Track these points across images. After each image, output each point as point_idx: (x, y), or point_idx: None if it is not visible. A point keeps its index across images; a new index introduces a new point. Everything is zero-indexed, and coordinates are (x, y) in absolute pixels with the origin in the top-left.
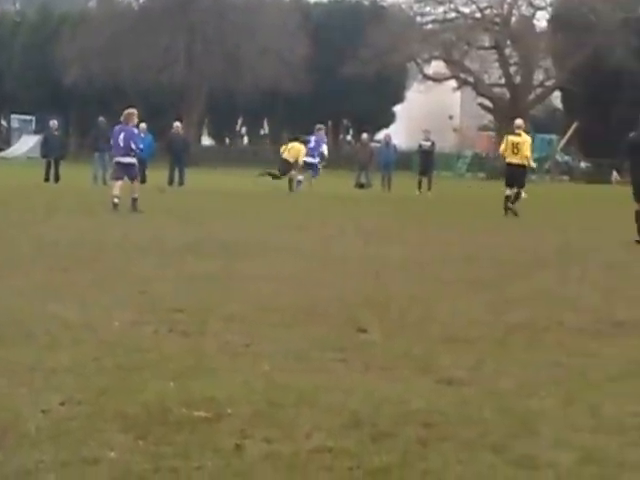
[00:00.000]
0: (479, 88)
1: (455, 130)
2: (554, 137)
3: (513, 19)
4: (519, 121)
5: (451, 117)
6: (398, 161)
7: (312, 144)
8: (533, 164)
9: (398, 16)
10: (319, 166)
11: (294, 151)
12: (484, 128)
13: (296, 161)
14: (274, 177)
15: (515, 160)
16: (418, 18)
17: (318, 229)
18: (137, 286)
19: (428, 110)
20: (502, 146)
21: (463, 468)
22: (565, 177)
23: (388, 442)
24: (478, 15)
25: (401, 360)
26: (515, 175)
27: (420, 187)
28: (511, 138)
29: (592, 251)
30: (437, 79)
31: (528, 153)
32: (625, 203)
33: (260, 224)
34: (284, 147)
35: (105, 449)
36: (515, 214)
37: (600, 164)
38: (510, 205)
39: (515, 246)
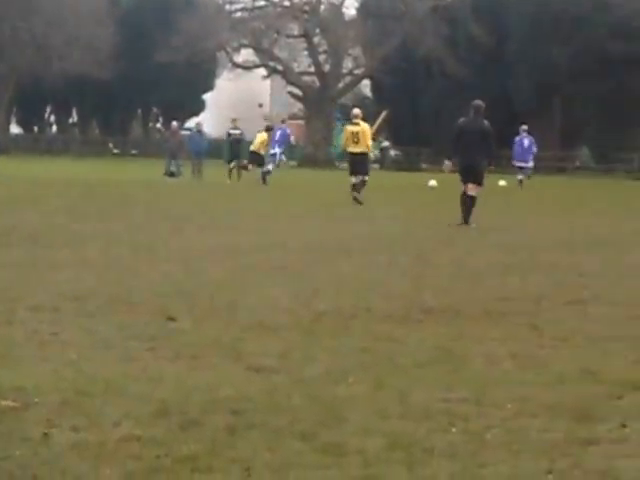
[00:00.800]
0: (288, 76)
1: (265, 118)
2: None
3: (322, 7)
4: (356, 110)
5: (261, 105)
6: (208, 149)
7: (277, 137)
8: (372, 149)
9: (208, 3)
10: (282, 157)
11: (258, 141)
12: (294, 116)
13: (264, 151)
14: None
15: (357, 149)
16: (227, 6)
17: (127, 217)
18: None
19: (238, 98)
20: (343, 137)
21: (271, 455)
22: (376, 165)
23: (196, 430)
24: (287, 3)
25: (210, 348)
26: (358, 163)
27: (230, 175)
28: (350, 128)
29: (401, 239)
30: (246, 67)
31: (369, 142)
32: (440, 190)
33: (68, 212)
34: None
35: None
36: (359, 202)
37: (409, 152)
38: (355, 194)
39: (325, 233)
